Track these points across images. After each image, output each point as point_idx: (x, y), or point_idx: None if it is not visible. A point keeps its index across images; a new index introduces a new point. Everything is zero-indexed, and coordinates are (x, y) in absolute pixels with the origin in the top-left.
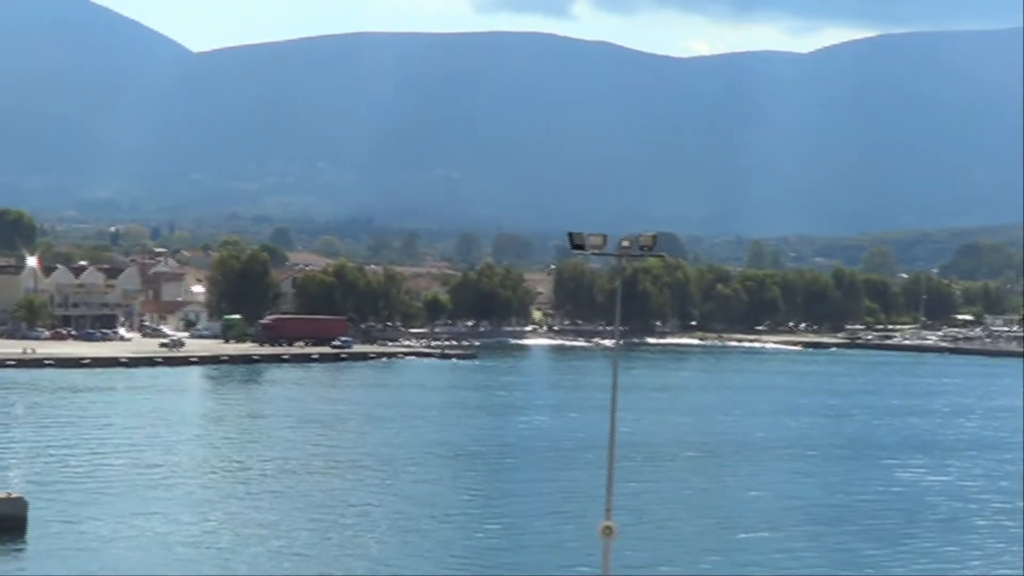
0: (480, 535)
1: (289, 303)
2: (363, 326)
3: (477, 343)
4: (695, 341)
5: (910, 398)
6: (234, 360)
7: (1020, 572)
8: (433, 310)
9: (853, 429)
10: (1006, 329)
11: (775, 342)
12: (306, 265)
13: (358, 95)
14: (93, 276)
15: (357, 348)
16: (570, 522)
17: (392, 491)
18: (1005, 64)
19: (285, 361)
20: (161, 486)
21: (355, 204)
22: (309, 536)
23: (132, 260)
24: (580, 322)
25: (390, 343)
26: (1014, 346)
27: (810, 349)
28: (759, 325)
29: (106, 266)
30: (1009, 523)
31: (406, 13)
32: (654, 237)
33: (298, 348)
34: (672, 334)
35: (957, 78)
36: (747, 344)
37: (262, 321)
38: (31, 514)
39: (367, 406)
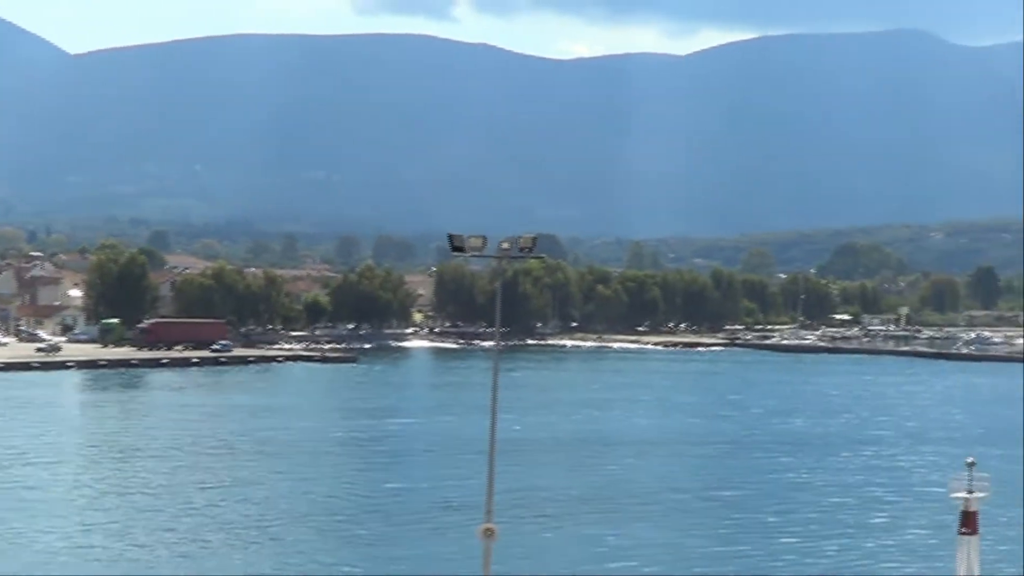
0: (360, 536)
1: (168, 306)
2: (243, 329)
3: (358, 346)
4: (576, 342)
5: (786, 397)
6: (112, 364)
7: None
8: (313, 313)
9: (730, 427)
10: (883, 328)
11: (655, 342)
12: (185, 268)
13: (237, 97)
14: None
15: (237, 352)
16: (451, 522)
17: (267, 492)
18: (882, 66)
19: (164, 365)
20: (24, 490)
21: (234, 206)
22: (177, 543)
23: (8, 263)
24: (461, 324)
25: (270, 346)
26: (891, 345)
27: (690, 349)
28: (639, 326)
29: None
30: (880, 519)
31: (285, 15)
32: (534, 239)
33: (177, 352)
34: (553, 335)
35: (834, 80)
36: (627, 345)
37: (140, 325)
38: None
39: (245, 409)
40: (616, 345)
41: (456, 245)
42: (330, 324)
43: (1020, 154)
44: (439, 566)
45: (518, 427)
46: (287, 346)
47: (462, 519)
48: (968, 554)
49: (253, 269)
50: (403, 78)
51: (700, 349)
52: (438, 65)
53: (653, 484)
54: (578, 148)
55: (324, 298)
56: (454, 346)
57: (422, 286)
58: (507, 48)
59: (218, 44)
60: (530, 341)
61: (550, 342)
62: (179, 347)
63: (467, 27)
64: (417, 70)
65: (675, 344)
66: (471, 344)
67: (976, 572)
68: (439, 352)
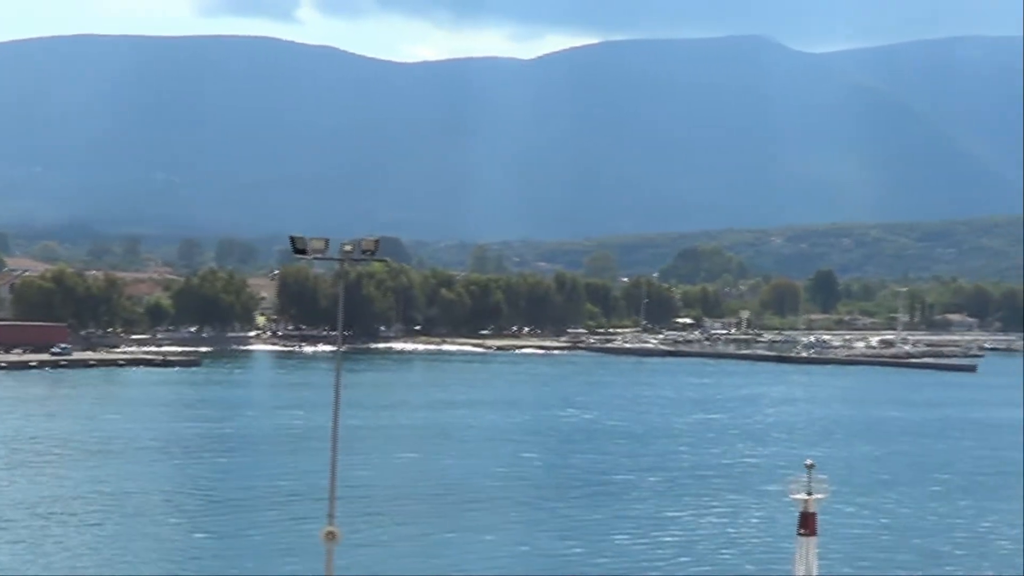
0: (200, 536)
1: (7, 309)
2: (83, 332)
3: (200, 349)
4: (419, 346)
5: (627, 399)
6: None
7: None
8: (155, 316)
9: (569, 429)
10: (724, 332)
11: (498, 346)
12: (24, 271)
13: (78, 98)
14: None
15: (77, 355)
16: (293, 524)
17: (105, 492)
18: (724, 72)
19: (2, 369)
20: None
21: (76, 208)
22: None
23: None
24: (304, 327)
25: (111, 349)
26: (732, 348)
27: (533, 352)
28: (483, 329)
29: None
30: (718, 519)
31: (127, 15)
32: (376, 241)
33: (16, 355)
34: (396, 338)
35: (677, 85)
36: (471, 348)
37: None
38: None
39: (84, 411)
40: (459, 348)
41: (298, 247)
42: (172, 327)
43: (859, 160)
44: (283, 565)
45: (353, 426)
46: (128, 349)
47: (304, 513)
48: (807, 555)
49: (94, 272)
50: (246, 80)
51: (542, 352)
52: (281, 67)
53: (492, 482)
54: (422, 152)
55: (166, 301)
56: (297, 349)
57: (265, 289)
58: (351, 51)
59: (60, 44)
60: (373, 344)
61: (393, 345)
62: (18, 350)
63: (311, 29)
64: (260, 72)
65: (518, 347)
66: (314, 347)
67: (814, 573)
68: (282, 355)
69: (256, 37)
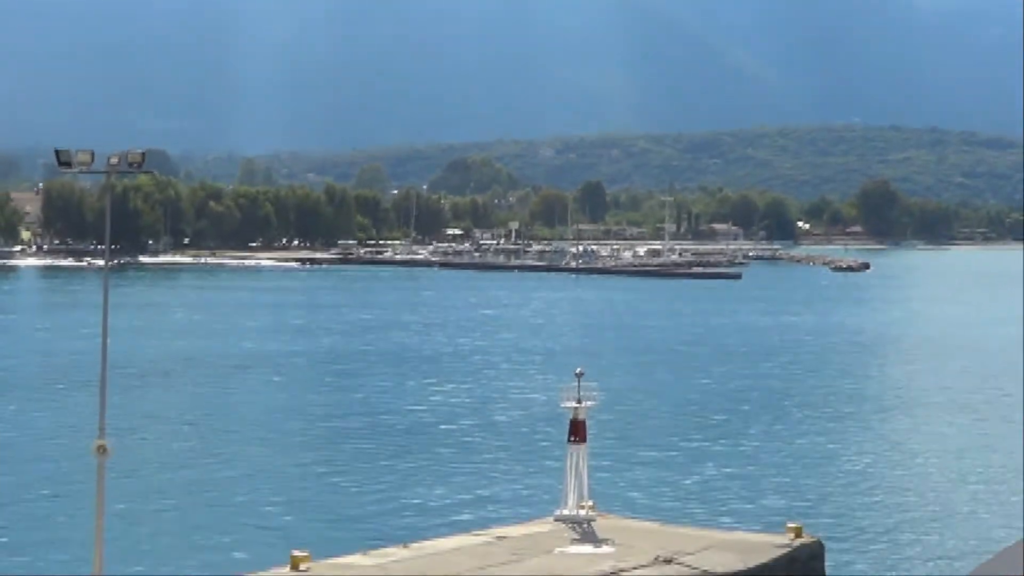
0: None
1: None
2: None
3: None
4: (188, 259)
5: (398, 309)
6: None
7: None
8: None
9: (332, 342)
10: (493, 243)
11: (269, 259)
12: None
13: None
14: None
15: None
16: (66, 440)
17: None
18: None
19: None
20: None
21: None
22: None
23: None
24: (71, 241)
25: None
26: (502, 259)
27: (304, 265)
28: (252, 242)
29: None
30: (489, 431)
31: None
32: (143, 154)
33: None
34: (165, 252)
35: None
36: (241, 261)
37: None
38: None
39: None
40: (232, 261)
41: (63, 160)
42: None
43: (627, 71)
44: (54, 482)
45: (122, 347)
46: None
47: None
48: (577, 461)
49: None
50: None
51: (312, 265)
52: None
53: (261, 396)
54: (188, 63)
55: None
56: (65, 264)
57: (29, 203)
58: None
59: None
60: (142, 258)
61: (162, 259)
62: None
63: None
64: None
65: (289, 260)
66: (82, 261)
67: (585, 478)
68: (49, 271)
69: None
